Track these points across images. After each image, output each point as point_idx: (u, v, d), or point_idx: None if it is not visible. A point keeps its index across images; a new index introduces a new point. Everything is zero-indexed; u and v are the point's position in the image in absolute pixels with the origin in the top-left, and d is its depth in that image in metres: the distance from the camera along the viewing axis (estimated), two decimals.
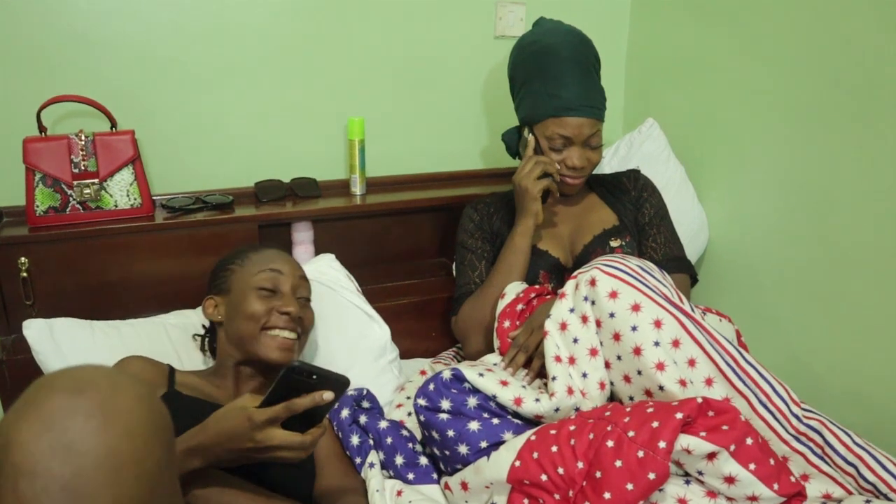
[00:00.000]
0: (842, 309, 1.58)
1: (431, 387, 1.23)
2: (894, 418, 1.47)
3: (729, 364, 1.19)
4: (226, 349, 1.34)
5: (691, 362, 1.19)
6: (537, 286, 1.55)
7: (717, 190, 1.91)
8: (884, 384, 1.49)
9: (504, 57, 2.05)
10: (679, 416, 1.00)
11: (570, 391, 1.24)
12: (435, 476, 1.28)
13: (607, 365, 1.26)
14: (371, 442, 1.31)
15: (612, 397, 1.29)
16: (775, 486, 1.00)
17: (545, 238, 1.63)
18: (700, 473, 1.03)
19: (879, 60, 1.45)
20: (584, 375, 1.26)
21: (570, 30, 1.61)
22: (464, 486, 1.19)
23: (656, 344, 1.19)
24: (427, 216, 2.05)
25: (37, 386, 0.68)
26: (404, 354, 1.81)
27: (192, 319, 1.58)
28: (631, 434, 1.02)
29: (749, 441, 1.01)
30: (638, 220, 1.65)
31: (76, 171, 1.61)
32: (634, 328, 1.20)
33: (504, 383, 1.25)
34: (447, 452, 1.22)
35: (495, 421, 1.21)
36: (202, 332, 1.51)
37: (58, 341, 1.43)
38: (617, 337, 1.22)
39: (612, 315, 1.23)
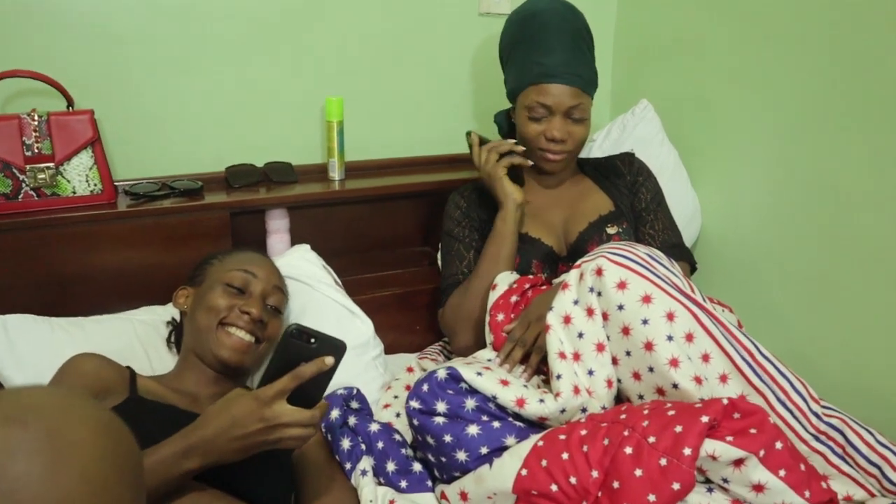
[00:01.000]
0: (843, 298, 1.53)
1: (425, 388, 1.14)
2: None
3: (745, 359, 1.12)
4: (187, 343, 1.29)
5: (705, 357, 1.12)
6: (531, 276, 1.46)
7: (711, 175, 1.85)
8: (889, 376, 1.44)
9: (489, 35, 1.97)
10: (705, 419, 0.92)
11: (577, 390, 1.16)
12: (430, 483, 1.19)
13: (614, 361, 1.18)
14: (363, 446, 1.21)
15: (619, 396, 1.21)
16: (806, 494, 0.93)
17: (537, 225, 1.54)
18: (725, 481, 0.95)
19: (882, 44, 1.39)
20: (591, 373, 1.18)
21: (561, 0, 1.53)
22: (463, 496, 1.10)
23: (669, 338, 1.11)
24: (409, 203, 1.95)
25: None
26: (388, 349, 1.71)
27: (163, 316, 1.47)
28: (652, 440, 0.93)
29: (779, 445, 0.93)
30: (634, 205, 1.57)
31: (29, 154, 1.48)
32: (645, 321, 1.12)
33: (504, 383, 1.16)
34: (444, 459, 1.12)
35: (496, 424, 1.12)
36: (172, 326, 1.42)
37: (12, 340, 1.34)
38: (626, 331, 1.14)
39: (620, 307, 1.14)
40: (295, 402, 0.93)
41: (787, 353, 1.61)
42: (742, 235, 1.77)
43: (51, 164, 1.49)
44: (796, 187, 1.61)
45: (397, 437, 1.25)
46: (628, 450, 0.94)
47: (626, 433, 0.97)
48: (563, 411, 1.15)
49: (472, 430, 1.11)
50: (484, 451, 1.10)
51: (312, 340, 0.92)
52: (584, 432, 1.02)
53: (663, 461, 0.91)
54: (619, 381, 1.19)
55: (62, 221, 1.48)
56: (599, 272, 1.17)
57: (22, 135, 1.47)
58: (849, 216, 1.49)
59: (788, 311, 1.65)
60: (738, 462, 0.93)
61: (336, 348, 0.94)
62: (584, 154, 1.85)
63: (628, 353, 1.15)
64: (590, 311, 1.18)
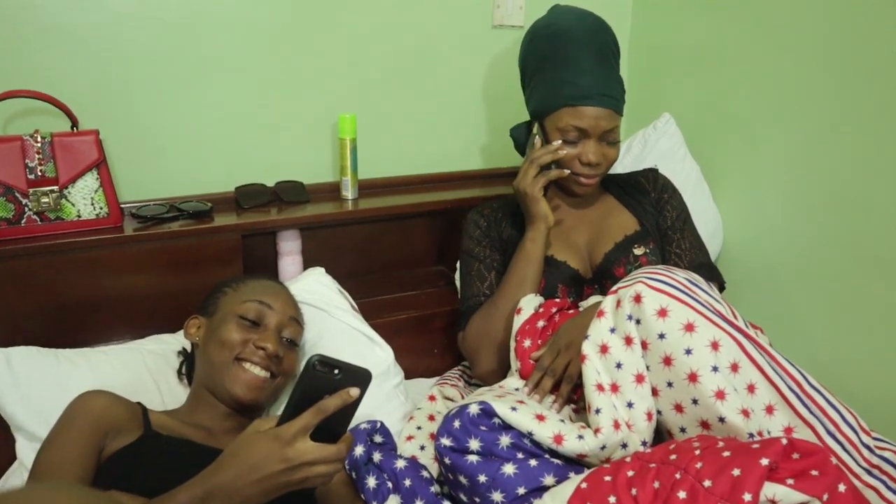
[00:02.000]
0: (873, 315, 1.48)
1: (457, 424, 1.08)
2: None
3: (792, 389, 1.07)
4: (199, 377, 1.23)
5: (750, 388, 1.06)
6: (557, 300, 1.40)
7: (732, 189, 1.80)
8: None
9: (502, 48, 1.92)
10: (764, 462, 0.86)
11: (617, 425, 1.10)
12: None
13: (654, 392, 1.12)
14: (389, 485, 1.15)
15: (659, 428, 1.15)
16: None
17: (561, 247, 1.49)
18: None
19: None
20: (630, 405, 1.12)
21: (587, 13, 1.47)
22: None
23: (714, 369, 1.05)
24: (424, 221, 1.89)
25: None
26: (405, 374, 1.65)
27: (173, 345, 1.41)
28: (707, 484, 0.87)
29: (842, 488, 0.87)
30: (660, 224, 1.51)
31: (32, 177, 1.41)
32: (689, 351, 1.07)
33: (541, 418, 1.10)
34: (478, 500, 1.06)
35: (532, 462, 1.06)
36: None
37: (16, 374, 1.27)
38: (668, 361, 1.08)
39: (661, 336, 1.09)
40: (318, 437, 0.88)
41: (815, 370, 1.58)
42: (765, 251, 1.72)
43: (55, 188, 1.43)
44: (821, 201, 1.56)
45: (425, 473, 1.19)
46: (682, 494, 0.88)
47: (678, 476, 0.91)
48: (603, 448, 1.09)
49: (509, 469, 1.04)
50: (521, 491, 1.04)
51: (336, 371, 0.87)
52: (631, 473, 0.96)
53: None
54: (659, 412, 1.13)
55: (67, 247, 1.42)
56: (638, 299, 1.12)
57: (25, 157, 1.41)
58: (875, 229, 1.45)
59: (815, 327, 1.60)
60: None
61: (361, 378, 0.89)
62: None
63: (670, 385, 1.10)
64: (628, 340, 1.13)
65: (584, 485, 0.97)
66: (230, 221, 1.57)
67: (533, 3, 1.90)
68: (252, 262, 1.66)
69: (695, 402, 1.07)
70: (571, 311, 1.37)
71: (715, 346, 1.06)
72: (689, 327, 1.08)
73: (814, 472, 0.87)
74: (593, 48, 1.39)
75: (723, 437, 1.00)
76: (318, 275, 1.53)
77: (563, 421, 1.11)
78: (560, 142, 1.39)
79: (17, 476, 1.23)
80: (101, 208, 1.48)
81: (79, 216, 1.47)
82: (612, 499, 0.93)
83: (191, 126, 1.65)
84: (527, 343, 1.31)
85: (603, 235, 1.50)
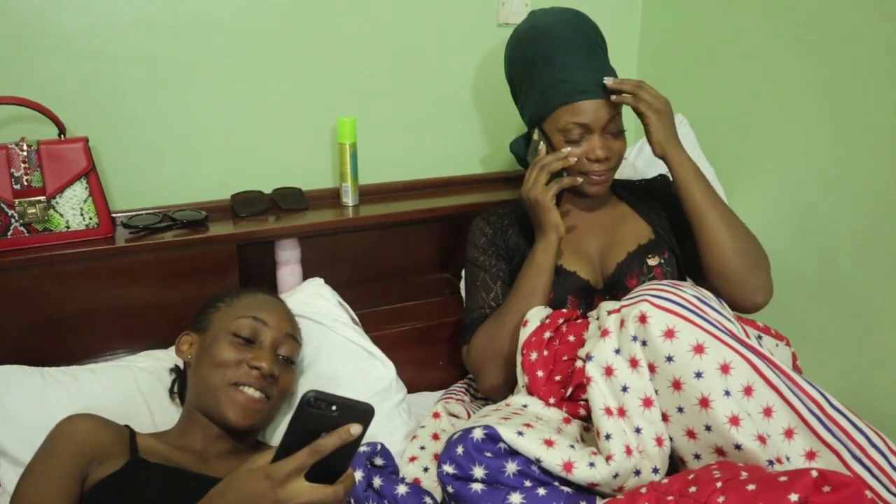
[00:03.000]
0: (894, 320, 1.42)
1: (460, 450, 1.02)
2: None
3: (813, 412, 1.00)
4: (191, 397, 1.17)
5: (767, 412, 1.01)
6: (565, 310, 1.34)
7: (749, 193, 1.74)
8: None
9: None
10: (794, 497, 0.79)
11: (629, 451, 1.04)
12: None
13: (665, 418, 1.06)
14: None
15: (672, 455, 1.09)
16: None
17: (571, 256, 1.42)
18: None
19: None
20: (638, 430, 1.06)
21: (564, 9, 1.43)
22: None
23: (727, 394, 1.00)
24: (428, 228, 1.83)
25: None
26: (408, 388, 1.58)
27: (165, 362, 1.35)
28: None
29: None
30: (676, 221, 1.44)
31: (18, 187, 1.37)
32: (699, 375, 1.01)
33: (549, 443, 1.04)
34: None
35: (541, 491, 1.00)
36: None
37: (0, 395, 1.21)
38: (677, 385, 1.03)
39: (669, 359, 1.03)
40: (315, 476, 0.82)
41: (845, 391, 1.51)
42: (784, 258, 1.64)
43: (41, 198, 1.38)
44: (844, 206, 1.50)
45: (428, 500, 1.13)
46: None
47: None
48: (615, 476, 1.03)
49: (516, 498, 0.98)
50: None
51: (333, 408, 0.81)
52: None
53: None
54: (671, 439, 1.08)
55: (55, 259, 1.38)
56: (643, 319, 1.06)
57: (10, 166, 1.36)
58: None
59: (836, 340, 1.54)
60: None
61: (362, 414, 0.83)
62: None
63: (681, 410, 1.04)
64: (633, 363, 1.07)
65: None
66: (225, 231, 1.51)
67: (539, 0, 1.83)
68: (250, 273, 1.60)
69: (708, 428, 1.01)
70: (580, 321, 1.31)
71: (726, 368, 1.01)
72: (699, 349, 1.02)
73: None
74: (578, 42, 1.35)
75: (745, 466, 0.94)
76: (317, 286, 1.47)
77: (572, 446, 1.05)
78: (569, 148, 1.33)
79: (2, 502, 1.18)
80: (90, 218, 1.43)
81: (67, 227, 1.42)
82: None
83: (185, 131, 1.59)
84: (533, 356, 1.25)
85: (615, 244, 1.43)
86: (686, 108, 1.81)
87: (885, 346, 1.45)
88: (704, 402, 1.00)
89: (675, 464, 1.11)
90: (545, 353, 1.25)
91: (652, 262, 1.38)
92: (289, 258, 1.62)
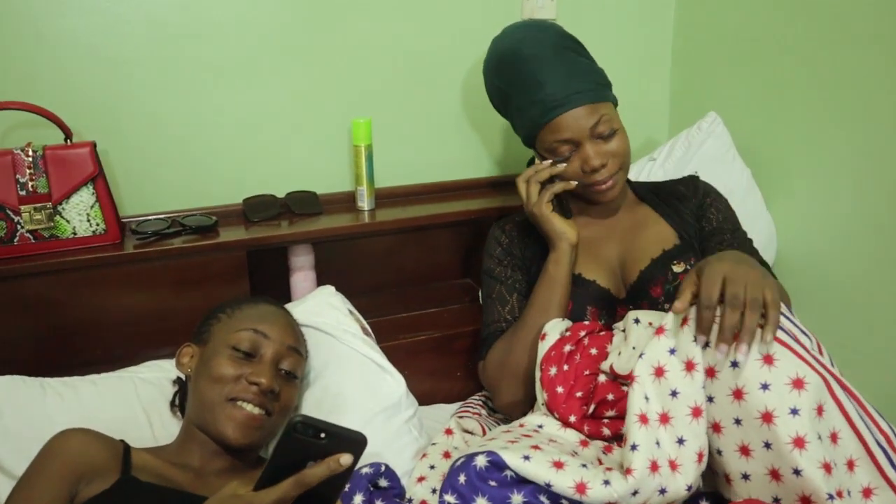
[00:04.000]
0: None
1: (462, 479, 0.95)
2: None
3: (880, 444, 0.91)
4: (189, 412, 1.14)
5: (833, 437, 0.91)
6: (586, 322, 1.26)
7: (788, 196, 1.65)
8: None
9: None
10: None
11: (654, 466, 0.95)
12: None
13: (717, 428, 0.97)
14: None
15: (712, 470, 1.00)
16: None
17: (591, 263, 1.34)
18: None
19: None
20: (681, 442, 0.97)
21: (520, 25, 1.38)
22: None
23: (794, 412, 0.90)
24: (447, 232, 1.77)
25: None
26: (424, 399, 1.54)
27: (169, 373, 1.31)
28: None
29: None
30: (703, 227, 1.35)
31: (23, 193, 1.35)
32: (766, 386, 0.92)
33: (559, 465, 0.96)
34: None
35: None
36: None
37: None
38: (739, 394, 0.93)
39: (734, 365, 0.94)
40: None
41: (885, 405, 1.42)
42: (825, 265, 1.57)
43: (47, 204, 1.35)
44: (889, 208, 1.41)
45: None
46: None
47: None
48: (635, 493, 0.94)
49: None
50: None
51: (322, 435, 0.76)
52: None
53: None
54: (719, 452, 0.98)
55: (61, 266, 1.36)
56: None
57: (16, 172, 1.34)
58: None
59: (884, 354, 1.44)
60: None
61: (352, 443, 0.78)
62: (643, 176, 1.65)
63: (738, 422, 0.94)
64: (689, 366, 0.98)
65: None
66: (236, 236, 1.48)
67: None
68: (262, 279, 1.56)
69: (767, 446, 0.92)
70: (602, 334, 1.23)
71: (798, 384, 0.91)
72: (768, 359, 0.93)
73: None
74: (543, 54, 1.28)
75: None
76: (327, 294, 1.42)
77: (585, 466, 0.97)
78: (549, 162, 1.29)
79: None
80: (97, 224, 1.40)
81: (74, 234, 1.39)
82: None
83: (196, 135, 1.57)
84: (552, 371, 1.18)
85: (638, 250, 1.34)
86: (721, 107, 1.72)
87: None
88: (768, 417, 0.91)
89: (707, 479, 1.03)
90: (565, 367, 1.18)
91: (677, 268, 1.29)
92: (302, 264, 1.58)
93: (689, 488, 0.97)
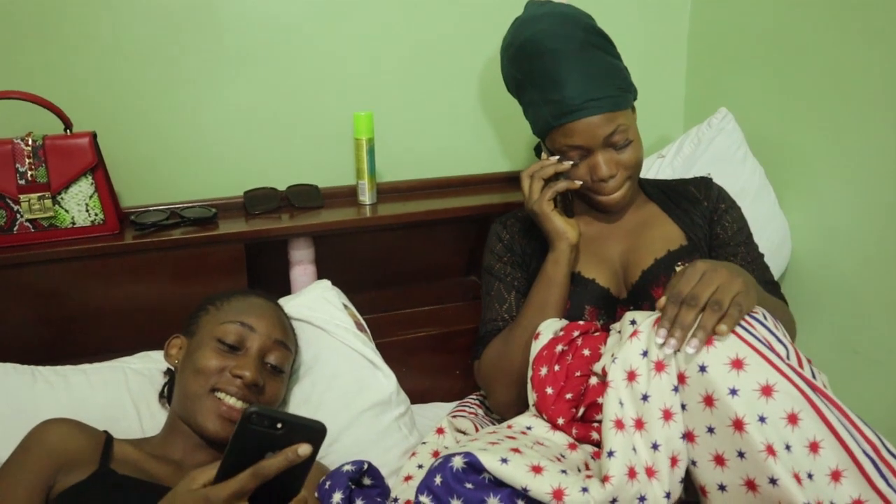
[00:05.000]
0: None
1: (438, 480, 0.93)
2: None
3: (867, 454, 0.86)
4: (174, 404, 1.14)
5: (813, 447, 0.87)
6: (581, 322, 1.22)
7: (802, 195, 1.59)
8: None
9: None
10: None
11: (632, 473, 0.93)
12: None
13: (691, 438, 0.94)
14: None
15: (689, 480, 0.97)
16: None
17: (591, 261, 1.31)
18: None
19: None
20: (655, 447, 0.94)
21: (547, 13, 1.27)
22: None
23: (762, 420, 0.88)
24: (451, 228, 1.74)
25: None
26: (422, 397, 1.54)
27: (160, 364, 1.31)
28: None
29: None
30: (717, 234, 1.31)
31: (23, 182, 1.35)
32: (734, 391, 0.89)
33: (537, 469, 0.93)
34: None
35: None
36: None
37: None
38: (709, 401, 0.91)
39: (703, 369, 0.91)
40: (263, 499, 0.77)
41: (891, 408, 1.39)
42: (841, 267, 1.51)
43: (46, 193, 1.36)
44: None
45: None
46: None
47: None
48: (613, 501, 0.92)
49: None
50: None
51: (279, 426, 0.75)
52: None
53: None
54: (693, 463, 0.95)
55: (60, 255, 1.36)
56: None
57: (15, 161, 1.34)
58: None
59: (889, 353, 1.40)
60: None
61: (312, 433, 0.77)
62: (651, 173, 1.60)
63: (711, 430, 0.92)
64: (658, 366, 0.95)
65: None
66: (235, 229, 1.48)
67: None
68: (261, 272, 1.55)
69: (741, 455, 0.89)
70: (597, 334, 1.20)
71: (767, 390, 0.88)
72: (738, 364, 0.90)
73: None
74: (565, 50, 1.21)
75: None
76: (322, 289, 1.41)
77: (564, 472, 0.95)
78: (556, 159, 1.25)
79: None
80: (96, 215, 1.41)
81: (73, 223, 1.40)
82: None
83: (197, 127, 1.56)
84: (543, 371, 1.15)
85: (641, 249, 1.30)
86: (736, 103, 1.68)
87: None
88: (739, 424, 0.88)
89: (689, 491, 0.99)
90: (556, 368, 1.15)
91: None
92: (302, 258, 1.57)
93: (668, 496, 0.94)
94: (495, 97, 1.77)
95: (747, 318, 0.96)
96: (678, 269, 1.26)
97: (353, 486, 1.08)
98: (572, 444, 1.10)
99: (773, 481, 0.86)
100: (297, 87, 1.61)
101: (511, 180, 1.80)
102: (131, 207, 1.52)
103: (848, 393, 1.38)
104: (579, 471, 1.03)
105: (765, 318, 0.98)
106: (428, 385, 1.54)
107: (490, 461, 0.93)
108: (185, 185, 1.57)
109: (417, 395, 1.51)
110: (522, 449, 0.99)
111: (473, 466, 0.93)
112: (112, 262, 1.39)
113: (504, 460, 0.93)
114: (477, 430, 1.32)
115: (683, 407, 0.95)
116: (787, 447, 0.87)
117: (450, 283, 1.79)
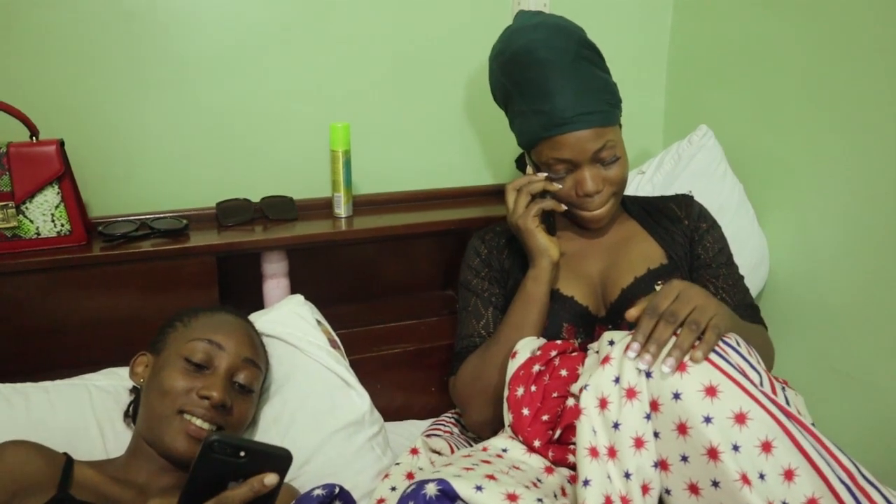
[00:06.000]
0: None
1: None
2: None
3: (843, 481, 0.85)
4: (138, 425, 1.10)
5: (788, 475, 0.86)
6: (559, 342, 1.21)
7: (781, 212, 1.60)
8: None
9: None
10: None
11: (608, 502, 0.91)
12: None
13: (664, 466, 0.92)
14: None
15: None
16: None
17: (569, 279, 1.29)
18: None
19: None
20: (627, 476, 0.93)
21: (541, 23, 1.26)
22: None
23: (735, 448, 0.86)
24: (428, 241, 1.73)
25: None
26: (396, 415, 1.51)
27: (126, 381, 1.27)
28: None
29: None
30: (697, 253, 1.30)
31: None
32: (708, 419, 0.87)
33: (513, 498, 0.91)
34: None
35: None
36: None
37: None
38: (683, 429, 0.89)
39: (677, 396, 0.89)
40: None
41: (881, 435, 1.39)
42: (819, 285, 1.51)
43: (10, 203, 1.32)
44: (886, 226, 1.36)
45: None
46: None
47: None
48: None
49: None
50: None
51: (241, 454, 0.74)
52: None
53: None
54: (667, 492, 0.93)
55: (23, 267, 1.32)
56: None
57: None
58: None
59: (880, 378, 1.39)
60: None
61: (277, 461, 0.76)
62: (631, 189, 1.59)
63: (684, 459, 0.90)
64: (630, 393, 0.93)
65: None
66: (207, 241, 1.44)
67: None
68: (234, 285, 1.52)
69: (715, 484, 0.88)
70: (575, 354, 1.18)
71: (741, 418, 0.87)
72: (711, 391, 0.88)
73: None
74: (559, 61, 1.19)
75: None
76: (295, 304, 1.38)
77: (540, 501, 0.92)
78: (545, 175, 1.23)
79: None
80: (62, 225, 1.37)
81: (38, 234, 1.36)
82: None
83: (168, 135, 1.53)
84: (519, 391, 1.13)
85: (622, 267, 1.29)
86: (716, 120, 1.67)
87: None
88: (713, 453, 0.87)
89: None
90: (533, 388, 1.13)
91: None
92: (275, 271, 1.54)
93: None
94: (475, 110, 1.76)
95: (721, 343, 0.95)
96: (657, 288, 1.25)
97: None
98: (549, 468, 1.08)
99: None
100: (273, 96, 1.58)
101: (490, 194, 1.78)
102: (100, 218, 1.48)
103: (826, 411, 1.41)
104: (556, 497, 1.01)
105: (738, 344, 0.97)
106: (402, 402, 1.52)
107: (464, 489, 0.90)
108: (156, 196, 1.54)
109: (392, 413, 1.48)
110: (497, 475, 0.96)
111: (447, 494, 0.90)
112: (78, 275, 1.35)
113: (479, 488, 0.91)
114: (452, 450, 1.30)
115: (657, 435, 0.93)
116: (761, 476, 0.86)
117: (426, 297, 1.77)
